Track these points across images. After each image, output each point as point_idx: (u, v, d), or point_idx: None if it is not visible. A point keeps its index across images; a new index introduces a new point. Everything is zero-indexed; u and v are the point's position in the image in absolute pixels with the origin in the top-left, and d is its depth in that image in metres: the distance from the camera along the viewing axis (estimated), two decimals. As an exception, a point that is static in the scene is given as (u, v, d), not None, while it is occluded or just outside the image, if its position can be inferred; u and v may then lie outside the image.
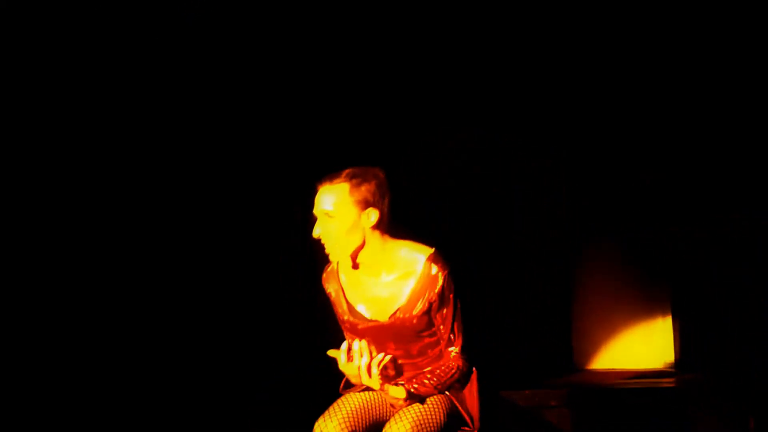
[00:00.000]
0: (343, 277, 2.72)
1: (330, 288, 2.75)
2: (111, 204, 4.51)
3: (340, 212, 2.56)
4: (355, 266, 2.68)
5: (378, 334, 2.63)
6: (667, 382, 4.51)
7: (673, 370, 5.19)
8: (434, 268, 2.60)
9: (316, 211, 2.61)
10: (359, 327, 2.68)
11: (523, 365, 5.05)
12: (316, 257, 2.77)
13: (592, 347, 5.46)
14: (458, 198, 4.94)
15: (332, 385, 2.76)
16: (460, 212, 4.94)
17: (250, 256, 4.70)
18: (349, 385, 2.72)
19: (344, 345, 2.55)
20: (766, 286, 4.59)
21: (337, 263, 2.73)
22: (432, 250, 2.64)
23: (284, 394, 4.23)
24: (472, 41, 4.83)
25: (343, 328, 2.81)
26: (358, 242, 2.58)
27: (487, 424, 2.78)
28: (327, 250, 2.61)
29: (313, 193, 2.65)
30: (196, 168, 4.67)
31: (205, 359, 4.47)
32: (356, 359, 2.51)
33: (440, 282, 2.59)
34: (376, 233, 2.60)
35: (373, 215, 2.57)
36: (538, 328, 5.14)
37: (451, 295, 2.61)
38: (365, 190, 2.57)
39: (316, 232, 2.59)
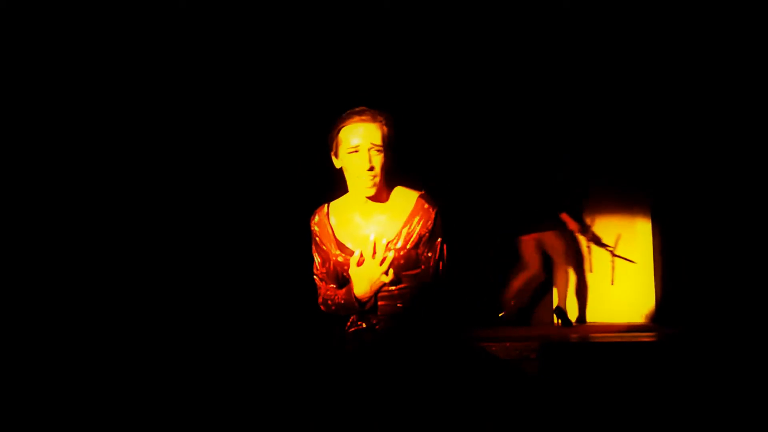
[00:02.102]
0: (333, 220, 2.82)
1: (319, 229, 2.83)
2: (108, 203, 4.62)
3: (386, 147, 2.69)
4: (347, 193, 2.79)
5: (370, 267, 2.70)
6: (647, 337, 4.55)
7: (653, 324, 5.26)
8: (426, 205, 2.72)
9: (362, 144, 2.68)
10: (346, 266, 2.76)
11: (503, 317, 5.13)
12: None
13: (573, 302, 5.54)
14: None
15: (331, 385, 2.79)
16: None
17: (250, 256, 4.80)
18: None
19: (357, 252, 2.69)
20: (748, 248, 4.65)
21: (328, 206, 2.84)
22: (423, 192, 2.76)
23: (284, 394, 4.26)
24: (472, 43, 5.01)
25: (320, 275, 2.87)
26: (384, 177, 2.71)
27: (464, 376, 2.85)
28: (373, 181, 2.69)
29: (335, 130, 2.74)
30: (197, 168, 4.79)
31: (205, 359, 4.42)
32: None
33: (431, 216, 2.70)
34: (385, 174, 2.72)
35: (393, 157, 2.72)
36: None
37: (439, 236, 2.72)
38: (392, 132, 2.71)
39: (373, 162, 2.67)
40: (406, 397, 2.64)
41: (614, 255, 5.57)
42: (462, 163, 5.38)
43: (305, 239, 4.07)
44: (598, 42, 5.06)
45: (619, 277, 5.59)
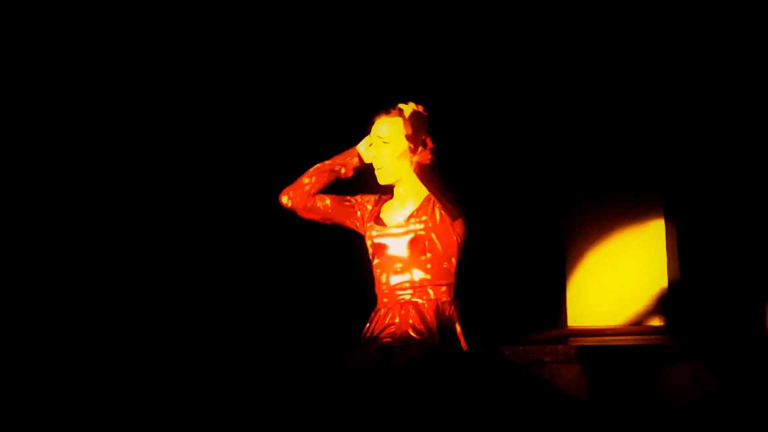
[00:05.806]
0: (383, 208, 2.94)
1: (371, 202, 2.96)
2: (109, 202, 4.59)
3: (393, 140, 2.79)
4: (393, 195, 2.92)
5: (395, 247, 2.81)
6: (657, 340, 4.53)
7: (663, 327, 5.26)
8: None
9: (371, 138, 2.85)
10: (378, 237, 2.86)
11: (517, 321, 5.12)
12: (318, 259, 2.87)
13: (586, 304, 5.53)
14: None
15: (331, 385, 2.81)
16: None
17: (252, 256, 4.74)
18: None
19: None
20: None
21: (380, 198, 2.95)
22: None
23: (284, 394, 4.25)
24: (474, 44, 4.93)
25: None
26: (404, 171, 2.81)
27: (479, 380, 2.81)
28: (377, 173, 2.84)
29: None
30: (196, 170, 4.73)
31: (205, 359, 4.49)
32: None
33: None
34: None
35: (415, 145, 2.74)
36: (532, 285, 5.22)
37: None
38: (411, 121, 2.70)
39: (369, 156, 2.86)
40: (409, 403, 2.65)
41: None
42: (461, 162, 5.34)
43: (305, 245, 4.06)
44: (605, 40, 5.05)
45: (630, 280, 5.60)
